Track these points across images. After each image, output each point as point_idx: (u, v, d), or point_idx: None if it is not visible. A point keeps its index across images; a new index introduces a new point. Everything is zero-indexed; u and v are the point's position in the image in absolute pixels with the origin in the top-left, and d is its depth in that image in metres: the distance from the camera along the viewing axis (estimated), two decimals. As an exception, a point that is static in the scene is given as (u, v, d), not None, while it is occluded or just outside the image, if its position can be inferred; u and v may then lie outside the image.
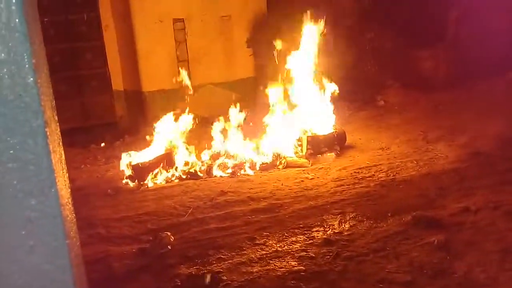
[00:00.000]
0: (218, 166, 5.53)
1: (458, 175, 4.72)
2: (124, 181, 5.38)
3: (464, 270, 3.03)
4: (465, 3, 8.85)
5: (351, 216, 3.99)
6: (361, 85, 8.07)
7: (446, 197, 4.21)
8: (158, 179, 5.38)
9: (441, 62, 8.87)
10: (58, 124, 0.93)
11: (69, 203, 0.93)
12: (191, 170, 5.53)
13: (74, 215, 0.95)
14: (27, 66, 0.80)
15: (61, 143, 0.90)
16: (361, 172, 5.11)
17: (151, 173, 5.37)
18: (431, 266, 3.12)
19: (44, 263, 0.86)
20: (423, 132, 6.37)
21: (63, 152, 0.90)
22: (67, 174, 0.95)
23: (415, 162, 5.24)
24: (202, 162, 5.67)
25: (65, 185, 0.88)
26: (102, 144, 7.10)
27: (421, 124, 6.81)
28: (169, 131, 5.85)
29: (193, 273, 3.30)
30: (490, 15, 8.63)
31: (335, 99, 6.33)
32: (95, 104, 7.74)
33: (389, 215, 3.92)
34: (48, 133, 0.81)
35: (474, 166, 4.91)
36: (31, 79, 0.81)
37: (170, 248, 3.67)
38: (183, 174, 5.48)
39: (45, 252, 0.86)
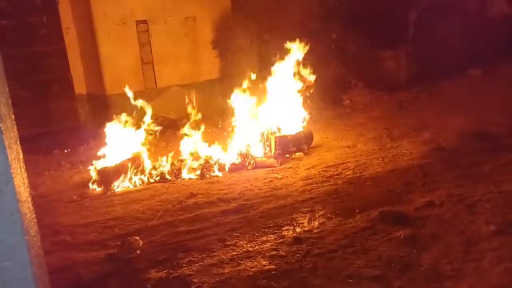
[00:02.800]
0: (186, 168, 5.48)
1: (422, 170, 4.84)
2: (90, 186, 5.26)
3: (430, 263, 3.10)
4: (423, 5, 9.13)
5: (320, 214, 4.03)
6: (327, 85, 8.17)
7: (411, 192, 4.31)
8: (125, 183, 5.28)
9: (402, 62, 9.11)
10: (14, 122, 0.90)
11: (28, 202, 0.89)
12: (159, 173, 5.45)
13: (34, 214, 0.91)
14: (-21, 62, 0.77)
15: (18, 142, 0.87)
16: (329, 171, 5.16)
17: (118, 177, 5.26)
18: (399, 260, 3.17)
19: (2, 261, 0.82)
20: (388, 129, 6.51)
21: (20, 151, 0.87)
22: (26, 174, 0.91)
23: (381, 159, 5.35)
24: (170, 164, 5.60)
25: (24, 183, 0.85)
26: (66, 150, 6.92)
27: (385, 122, 6.95)
28: (132, 135, 5.74)
29: (163, 277, 3.25)
30: (448, 15, 8.94)
31: (302, 99, 6.38)
32: (58, 109, 7.51)
33: (357, 211, 3.97)
34: (3, 129, 0.78)
35: (437, 161, 5.05)
36: (-16, 75, 0.78)
37: (139, 252, 3.60)
38: (151, 177, 5.40)
39: (3, 249, 0.82)
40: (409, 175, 4.77)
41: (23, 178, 0.81)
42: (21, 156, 0.86)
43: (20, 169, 0.81)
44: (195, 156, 5.69)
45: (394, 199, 4.19)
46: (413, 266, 3.09)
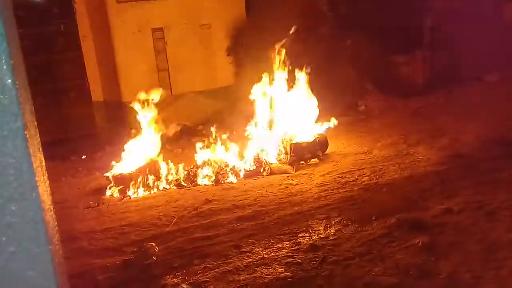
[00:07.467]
0: (202, 174, 5.49)
1: (440, 177, 4.78)
2: (106, 193, 5.30)
3: (449, 271, 3.05)
4: (439, 10, 9.04)
5: (336, 220, 4.00)
6: (341, 91, 8.14)
7: (429, 199, 4.25)
8: (141, 189, 5.31)
9: (418, 67, 9.02)
10: (37, 129, 0.91)
11: (51, 210, 0.90)
12: (174, 180, 5.48)
13: (56, 222, 0.92)
14: (4, 67, 0.78)
15: (41, 149, 0.88)
16: (345, 177, 5.13)
17: (134, 183, 5.30)
18: (417, 267, 3.13)
19: (26, 270, 0.83)
20: (404, 135, 6.44)
21: (43, 159, 0.88)
22: (48, 182, 0.92)
23: (397, 166, 5.29)
24: (185, 171, 5.62)
25: (47, 191, 0.86)
26: (83, 156, 6.99)
27: (402, 128, 6.88)
28: (148, 141, 5.79)
29: (179, 283, 3.26)
30: (464, 21, 8.84)
31: (317, 105, 6.36)
32: (75, 115, 7.61)
33: (374, 218, 3.93)
34: (27, 136, 0.79)
35: (455, 168, 4.97)
36: (9, 80, 0.79)
37: (155, 259, 3.61)
38: (166, 183, 5.43)
39: (27, 259, 0.83)
40: (426, 181, 4.71)
41: (46, 186, 0.82)
42: (44, 163, 0.87)
43: (43, 176, 0.82)
44: (210, 162, 5.70)
45: (411, 205, 4.14)
46: (432, 274, 3.05)
